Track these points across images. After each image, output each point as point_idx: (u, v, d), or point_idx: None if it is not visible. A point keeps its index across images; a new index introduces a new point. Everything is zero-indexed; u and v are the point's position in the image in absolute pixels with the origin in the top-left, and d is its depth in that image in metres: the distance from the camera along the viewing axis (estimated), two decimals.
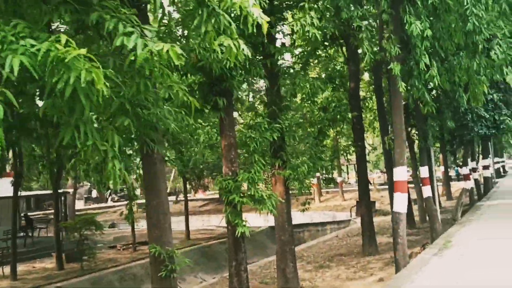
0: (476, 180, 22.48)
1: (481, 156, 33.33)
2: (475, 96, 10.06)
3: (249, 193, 8.78)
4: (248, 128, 9.71)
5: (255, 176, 8.81)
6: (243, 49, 4.52)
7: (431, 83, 12.43)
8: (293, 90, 11.10)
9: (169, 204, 8.00)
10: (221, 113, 9.33)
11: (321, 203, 37.03)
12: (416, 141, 13.54)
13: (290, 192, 19.06)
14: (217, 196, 40.78)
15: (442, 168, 32.49)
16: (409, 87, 9.48)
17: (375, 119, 22.30)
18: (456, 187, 35.67)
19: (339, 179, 37.78)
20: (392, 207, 11.61)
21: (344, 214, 30.11)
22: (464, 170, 15.61)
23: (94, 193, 48.62)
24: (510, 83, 8.82)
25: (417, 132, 14.39)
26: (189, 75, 9.41)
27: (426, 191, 13.15)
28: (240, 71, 9.60)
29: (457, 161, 18.04)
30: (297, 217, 33.52)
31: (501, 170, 45.42)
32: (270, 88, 11.02)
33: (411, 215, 20.67)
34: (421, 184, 13.54)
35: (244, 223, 8.79)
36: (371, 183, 18.39)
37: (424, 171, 13.22)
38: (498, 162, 42.65)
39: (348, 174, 59.35)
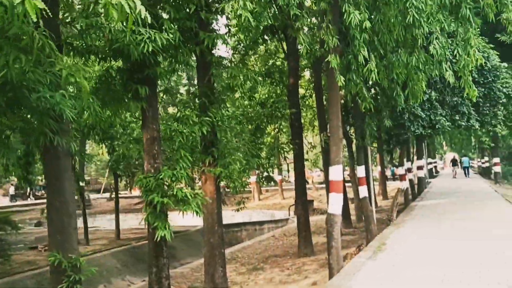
0: (410, 181, 22.68)
1: (415, 157, 34.13)
2: (413, 94, 9.69)
3: (171, 192, 7.89)
4: (175, 121, 8.80)
5: (178, 174, 7.92)
6: (139, 11, 3.63)
7: (370, 82, 12.08)
8: (229, 82, 10.29)
9: (75, 204, 6.96)
10: (142, 103, 8.37)
11: (260, 201, 36.57)
12: (355, 140, 13.10)
13: (228, 190, 17.99)
14: None
15: (379, 168, 32.89)
16: (347, 81, 8.92)
17: (314, 117, 21.96)
18: (392, 186, 36.34)
19: (278, 178, 37.48)
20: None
21: (283, 213, 29.74)
22: (400, 171, 15.48)
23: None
24: (449, 79, 8.48)
25: (355, 131, 14.02)
26: (111, 60, 8.39)
27: (362, 191, 12.78)
28: (166, 58, 8.68)
29: (393, 161, 17.93)
30: (236, 216, 32.93)
31: (434, 170, 46.95)
32: (201, 79, 10.17)
33: (347, 215, 20.52)
34: (357, 184, 13.14)
35: (166, 225, 7.88)
36: (308, 182, 17.95)
37: (360, 171, 12.84)
38: (431, 163, 44.04)
39: (288, 172, 59.44)
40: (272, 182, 17.54)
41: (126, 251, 19.87)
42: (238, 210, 14.63)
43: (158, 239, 7.87)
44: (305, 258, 15.06)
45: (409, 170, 22.72)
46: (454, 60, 10.20)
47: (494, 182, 31.30)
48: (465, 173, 39.56)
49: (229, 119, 10.82)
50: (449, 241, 10.08)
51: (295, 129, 15.63)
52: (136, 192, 46.42)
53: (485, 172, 40.95)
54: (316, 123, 21.75)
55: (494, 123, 13.63)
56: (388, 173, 46.24)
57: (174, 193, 7.82)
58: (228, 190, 28.54)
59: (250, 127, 15.01)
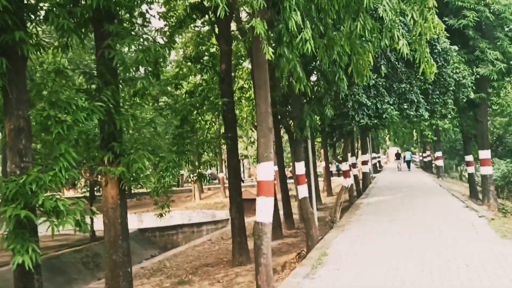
0: (355, 176, 21.33)
1: (359, 151, 33.10)
2: (358, 71, 7.95)
3: (36, 201, 5.69)
4: (50, 106, 6.54)
5: (46, 177, 5.72)
6: None
7: (308, 60, 10.28)
8: (136, 59, 8.10)
9: None
10: (2, 80, 6.10)
11: (201, 200, 34.40)
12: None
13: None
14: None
15: (323, 163, 31.58)
16: (277, 57, 7.00)
17: (253, 109, 20.09)
18: (337, 182, 35.21)
19: (221, 175, 35.46)
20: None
21: (224, 213, 27.69)
22: (344, 166, 13.91)
23: None
24: (403, 50, 6.77)
25: (292, 121, 12.24)
26: None
27: (302, 191, 11.00)
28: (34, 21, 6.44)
29: (338, 156, 16.36)
30: (174, 217, 30.61)
31: (378, 165, 46.52)
32: (100, 55, 7.95)
33: (290, 214, 18.81)
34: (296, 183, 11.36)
35: (28, 247, 5.65)
36: (243, 181, 16.10)
37: (299, 168, 11.05)
38: (375, 158, 43.49)
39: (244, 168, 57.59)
40: (212, 180, 15.48)
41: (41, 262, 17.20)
42: (160, 215, 12.50)
43: (14, 267, 5.64)
44: (240, 267, 13.11)
45: (353, 165, 21.36)
46: (406, 28, 8.66)
47: (437, 176, 30.77)
48: (408, 166, 41.75)
49: (134, 106, 8.67)
50: (398, 249, 8.44)
51: (228, 121, 13.62)
52: (71, 192, 43.11)
53: (427, 166, 40.76)
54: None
55: (444, 112, 12.26)
56: (333, 168, 45.35)
57: (40, 202, 5.62)
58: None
59: (175, 120, 12.93)
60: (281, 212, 18.63)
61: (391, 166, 53.22)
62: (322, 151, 31.63)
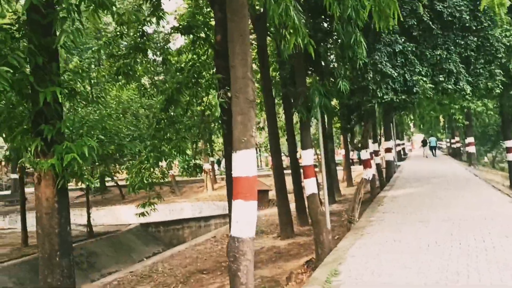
0: (378, 165, 18.83)
1: (382, 138, 30.41)
2: (381, 11, 5.55)
3: None
4: None
5: None
6: None
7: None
8: None
9: None
10: None
11: (214, 191, 32.34)
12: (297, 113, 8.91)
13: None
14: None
15: (343, 151, 29.06)
16: None
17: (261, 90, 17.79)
18: (358, 171, 32.65)
19: None
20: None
21: None
22: (364, 154, 11.51)
23: None
24: None
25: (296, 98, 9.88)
26: None
27: (309, 186, 8.69)
28: None
29: (355, 142, 13.85)
30: (185, 210, 28.63)
31: (402, 152, 43.67)
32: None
33: (303, 209, 16.44)
34: (302, 177, 9.02)
35: None
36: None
37: (307, 157, 8.71)
38: (399, 145, 40.66)
39: None
40: (199, 173, 13.26)
41: (26, 263, 15.30)
42: (142, 215, 10.40)
43: None
44: None
45: (376, 153, 18.86)
46: None
47: (468, 164, 27.93)
48: (432, 153, 40.22)
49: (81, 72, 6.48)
50: (438, 268, 6.06)
51: (224, 102, 11.32)
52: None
53: (455, 153, 37.79)
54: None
55: (491, 85, 9.67)
56: (354, 156, 42.71)
57: None
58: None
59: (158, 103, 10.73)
60: (292, 206, 16.35)
61: (416, 154, 50.22)
62: (341, 137, 29.10)
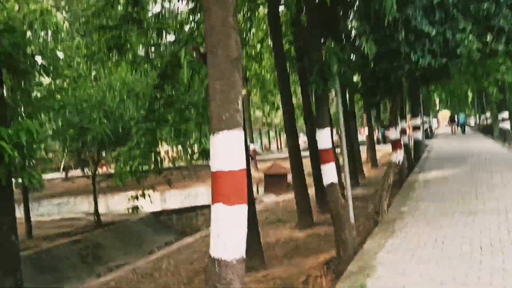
0: (405, 146, 17.00)
1: (408, 115, 28.40)
2: None
3: None
4: None
5: None
6: None
7: None
8: None
9: None
10: None
11: None
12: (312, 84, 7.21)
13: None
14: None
15: (366, 130, 27.19)
16: None
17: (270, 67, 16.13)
18: (383, 151, 30.77)
19: (251, 146, 31.75)
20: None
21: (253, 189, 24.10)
22: (392, 133, 9.73)
23: None
24: None
25: (307, 64, 8.26)
26: None
27: (328, 173, 7.09)
28: None
29: (381, 119, 11.97)
30: (202, 196, 27.30)
31: (429, 130, 41.40)
32: None
33: (324, 194, 14.71)
34: (320, 160, 7.37)
35: None
36: (252, 157, 12.26)
37: (323, 138, 7.08)
38: (425, 122, 38.45)
39: (271, 139, 53.63)
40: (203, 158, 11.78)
41: (25, 259, 14.11)
42: (132, 211, 9.02)
43: None
44: (249, 274, 9.48)
45: (403, 131, 17.05)
46: None
47: (503, 142, 25.72)
48: (462, 131, 38.66)
49: None
50: (496, 280, 4.43)
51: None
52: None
53: (486, 130, 35.38)
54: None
55: None
56: (378, 135, 40.72)
57: None
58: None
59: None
60: (311, 191, 14.79)
61: (443, 131, 47.86)
62: (364, 115, 27.20)
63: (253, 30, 16.15)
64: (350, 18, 7.80)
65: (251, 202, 10.18)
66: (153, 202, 27.11)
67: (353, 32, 7.76)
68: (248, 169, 10.34)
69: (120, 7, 10.39)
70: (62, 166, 42.34)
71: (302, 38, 9.87)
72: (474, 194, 9.63)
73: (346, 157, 7.73)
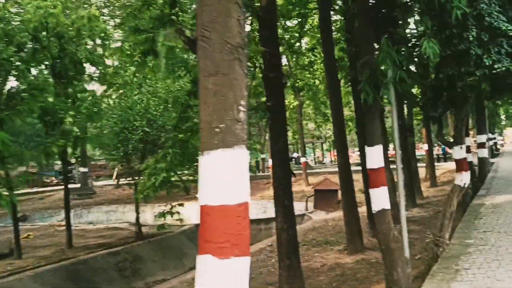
0: (470, 163, 15.23)
1: (472, 132, 26.15)
2: None
3: None
4: None
5: None
6: None
7: None
8: None
9: None
10: None
11: None
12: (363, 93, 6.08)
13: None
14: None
15: (425, 146, 25.26)
16: None
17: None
18: (443, 168, 28.58)
19: (302, 159, 30.54)
20: None
21: (301, 205, 22.85)
22: (457, 152, 8.22)
23: None
24: None
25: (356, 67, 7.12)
26: None
27: (377, 198, 5.88)
28: None
29: (445, 136, 10.45)
30: (251, 209, 26.32)
31: (494, 148, 38.40)
32: None
33: (357, 225, 12.84)
34: (369, 183, 6.19)
35: None
36: (293, 174, 11.09)
37: (373, 157, 5.90)
38: (491, 139, 35.62)
39: (323, 152, 51.95)
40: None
41: (61, 269, 13.74)
42: (160, 227, 8.19)
43: None
44: None
45: (468, 149, 15.28)
46: None
47: None
48: None
49: None
50: None
51: (269, 82, 8.81)
52: None
53: None
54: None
55: None
56: (439, 151, 38.19)
57: None
58: None
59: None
60: (362, 210, 13.48)
61: (509, 149, 44.35)
62: (424, 130, 25.31)
63: (305, 39, 15.13)
64: (410, 18, 6.60)
65: (293, 223, 9.13)
66: (199, 213, 26.69)
67: (413, 34, 6.56)
68: (289, 186, 9.34)
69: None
70: (115, 174, 43.01)
71: (354, 43, 8.75)
72: None
73: (401, 179, 6.49)
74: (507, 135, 61.45)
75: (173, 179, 8.14)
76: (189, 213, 26.43)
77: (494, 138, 43.42)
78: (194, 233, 18.97)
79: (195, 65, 8.51)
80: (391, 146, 22.92)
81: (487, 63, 5.52)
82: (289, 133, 37.43)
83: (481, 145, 18.26)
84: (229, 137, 2.27)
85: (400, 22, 6.35)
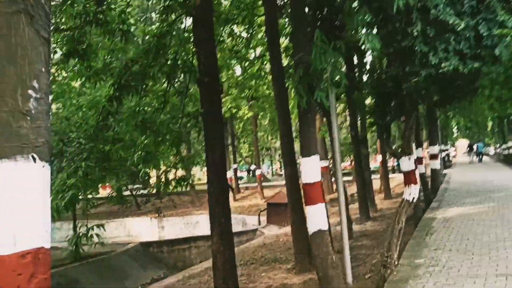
0: (422, 175, 14.81)
1: (425, 143, 26.12)
2: None
3: None
4: None
5: None
6: None
7: None
8: None
9: None
10: None
11: (235, 202, 28.78)
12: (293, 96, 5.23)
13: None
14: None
15: (379, 157, 24.98)
16: None
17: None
18: (398, 180, 28.41)
19: (258, 172, 29.77)
20: None
21: (254, 219, 21.97)
22: (405, 163, 7.54)
23: None
24: None
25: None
26: None
27: (314, 218, 5.05)
28: None
29: (393, 146, 9.67)
30: (200, 224, 25.21)
31: (447, 159, 38.92)
32: None
33: (305, 242, 12.37)
34: (305, 200, 5.35)
35: None
36: (231, 188, 10.18)
37: (308, 169, 5.08)
38: (443, 150, 36.02)
39: (273, 165, 51.32)
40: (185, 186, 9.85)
41: None
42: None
43: None
44: None
45: (420, 160, 14.88)
46: None
47: None
48: (479, 159, 39.06)
49: None
50: None
51: (205, 89, 7.94)
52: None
53: (508, 160, 32.78)
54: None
55: None
56: (394, 163, 38.28)
57: None
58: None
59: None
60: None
61: (461, 160, 45.25)
62: (378, 140, 25.07)
63: (253, 43, 14.36)
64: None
65: (230, 244, 8.20)
66: (150, 230, 25.10)
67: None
68: (226, 202, 8.46)
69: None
70: None
71: (290, 38, 7.99)
72: (510, 242, 7.45)
73: (342, 197, 5.69)
74: (459, 146, 62.93)
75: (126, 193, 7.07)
76: (139, 230, 25.13)
77: (447, 150, 44.20)
78: (139, 251, 17.74)
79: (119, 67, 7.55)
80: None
81: (433, 62, 4.83)
82: (246, 145, 36.69)
83: (433, 157, 17.98)
84: (4, 141, 1.34)
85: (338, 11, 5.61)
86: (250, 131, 29.16)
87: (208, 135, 8.01)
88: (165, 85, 9.03)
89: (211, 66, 7.97)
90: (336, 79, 4.90)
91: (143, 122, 7.22)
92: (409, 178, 7.24)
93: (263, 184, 29.08)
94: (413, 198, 7.26)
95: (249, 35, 13.36)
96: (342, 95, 13.64)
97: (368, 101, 14.06)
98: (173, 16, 8.32)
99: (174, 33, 7.94)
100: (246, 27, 13.24)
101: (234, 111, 25.79)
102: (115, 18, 8.23)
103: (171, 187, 9.63)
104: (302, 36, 5.07)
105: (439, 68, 4.80)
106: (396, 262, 6.80)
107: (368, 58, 14.14)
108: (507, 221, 9.40)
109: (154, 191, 25.29)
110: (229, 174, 28.84)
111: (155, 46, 7.38)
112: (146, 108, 8.88)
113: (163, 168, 8.93)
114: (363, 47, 4.40)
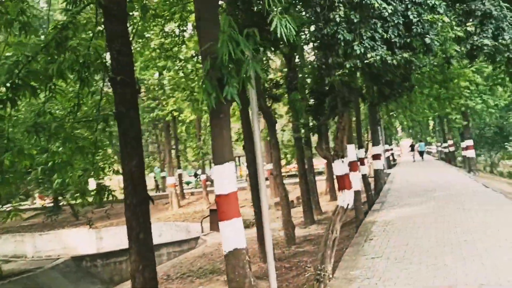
0: (364, 176, 14.45)
1: (370, 144, 26.15)
2: None
3: None
4: None
5: None
6: None
7: None
8: None
9: None
10: None
11: (180, 208, 27.68)
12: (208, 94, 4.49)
13: None
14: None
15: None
16: None
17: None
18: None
19: (202, 176, 28.80)
20: None
21: (198, 226, 20.98)
22: (338, 167, 6.88)
23: None
24: None
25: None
26: None
27: (228, 234, 4.28)
28: None
29: (322, 148, 9.02)
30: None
31: (391, 159, 39.58)
32: None
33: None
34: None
35: None
36: (151, 199, 9.37)
37: (223, 177, 4.32)
38: (388, 150, 36.51)
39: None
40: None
41: None
42: None
43: None
44: None
45: (361, 161, 14.54)
46: None
47: (467, 171, 23.74)
48: (421, 157, 40.50)
49: None
50: None
51: (118, 87, 7.04)
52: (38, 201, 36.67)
53: (449, 158, 33.64)
54: None
55: None
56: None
57: None
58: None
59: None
60: (252, 234, 12.03)
61: (405, 159, 46.30)
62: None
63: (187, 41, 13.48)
64: None
65: (151, 262, 7.31)
66: (88, 241, 23.43)
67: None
68: (146, 215, 7.58)
69: None
70: None
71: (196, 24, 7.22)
72: (449, 247, 7.02)
73: (265, 203, 4.96)
74: (404, 146, 64.56)
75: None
76: (75, 242, 23.45)
77: (391, 149, 45.01)
78: (70, 267, 16.35)
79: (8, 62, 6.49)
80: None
81: (358, 52, 4.20)
82: (191, 149, 35.52)
83: (376, 157, 17.74)
84: None
85: None
86: (194, 134, 28.15)
87: (125, 140, 7.09)
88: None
89: (125, 63, 7.08)
90: (249, 73, 4.18)
91: (35, 126, 6.23)
92: (343, 182, 6.65)
93: (210, 189, 28.11)
94: (348, 204, 6.65)
95: (181, 32, 12.48)
96: (285, 96, 13.07)
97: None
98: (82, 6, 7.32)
99: (79, 25, 6.93)
100: (178, 24, 12.36)
101: (175, 114, 24.76)
102: (13, 7, 7.17)
103: (89, 199, 8.59)
104: (209, 23, 4.32)
105: (365, 58, 4.16)
106: (331, 275, 6.18)
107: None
108: (447, 222, 9.06)
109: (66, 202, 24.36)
110: (172, 180, 27.74)
111: (55, 39, 6.41)
112: (54, 111, 7.87)
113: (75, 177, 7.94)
114: (274, 33, 3.69)
